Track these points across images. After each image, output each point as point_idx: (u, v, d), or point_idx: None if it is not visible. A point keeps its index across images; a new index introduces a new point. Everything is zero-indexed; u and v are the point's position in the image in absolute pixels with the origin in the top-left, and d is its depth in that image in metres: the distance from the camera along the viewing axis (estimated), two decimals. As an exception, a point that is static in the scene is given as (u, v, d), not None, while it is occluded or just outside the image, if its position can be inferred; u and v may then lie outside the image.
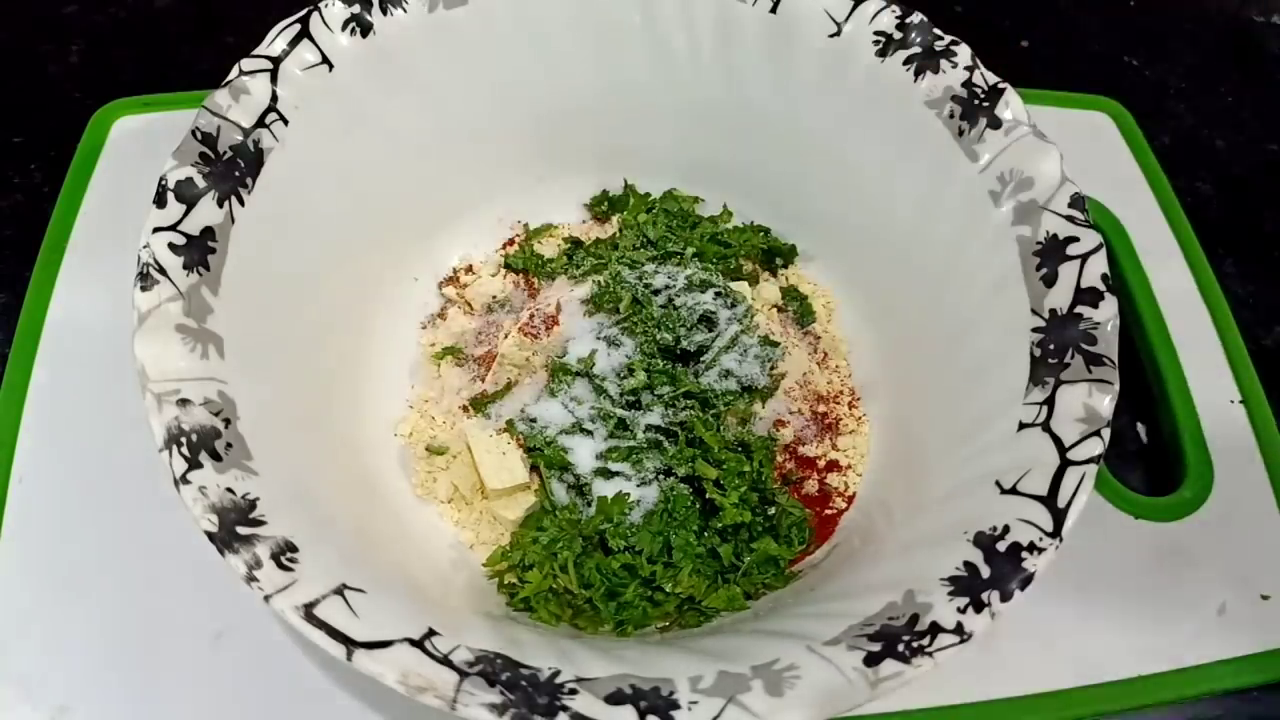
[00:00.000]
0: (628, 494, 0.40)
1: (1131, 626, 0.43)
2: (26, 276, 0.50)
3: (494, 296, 0.49)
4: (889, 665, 0.28)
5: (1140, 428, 0.52)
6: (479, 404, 0.44)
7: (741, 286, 0.46)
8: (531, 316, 0.44)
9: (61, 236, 0.51)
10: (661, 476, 0.41)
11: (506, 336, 0.44)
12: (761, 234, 0.51)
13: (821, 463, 0.45)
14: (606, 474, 0.41)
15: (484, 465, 0.41)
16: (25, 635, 0.40)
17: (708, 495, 0.40)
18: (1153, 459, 0.51)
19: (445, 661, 0.28)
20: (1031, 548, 0.31)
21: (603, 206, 0.52)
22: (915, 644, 0.29)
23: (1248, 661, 0.42)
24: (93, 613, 0.41)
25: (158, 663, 0.40)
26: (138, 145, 0.55)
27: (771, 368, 0.44)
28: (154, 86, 0.58)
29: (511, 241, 0.52)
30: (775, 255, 0.51)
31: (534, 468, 0.42)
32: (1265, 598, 0.44)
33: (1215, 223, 0.59)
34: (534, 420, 0.43)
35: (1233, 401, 0.50)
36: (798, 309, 0.49)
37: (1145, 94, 0.67)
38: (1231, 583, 0.44)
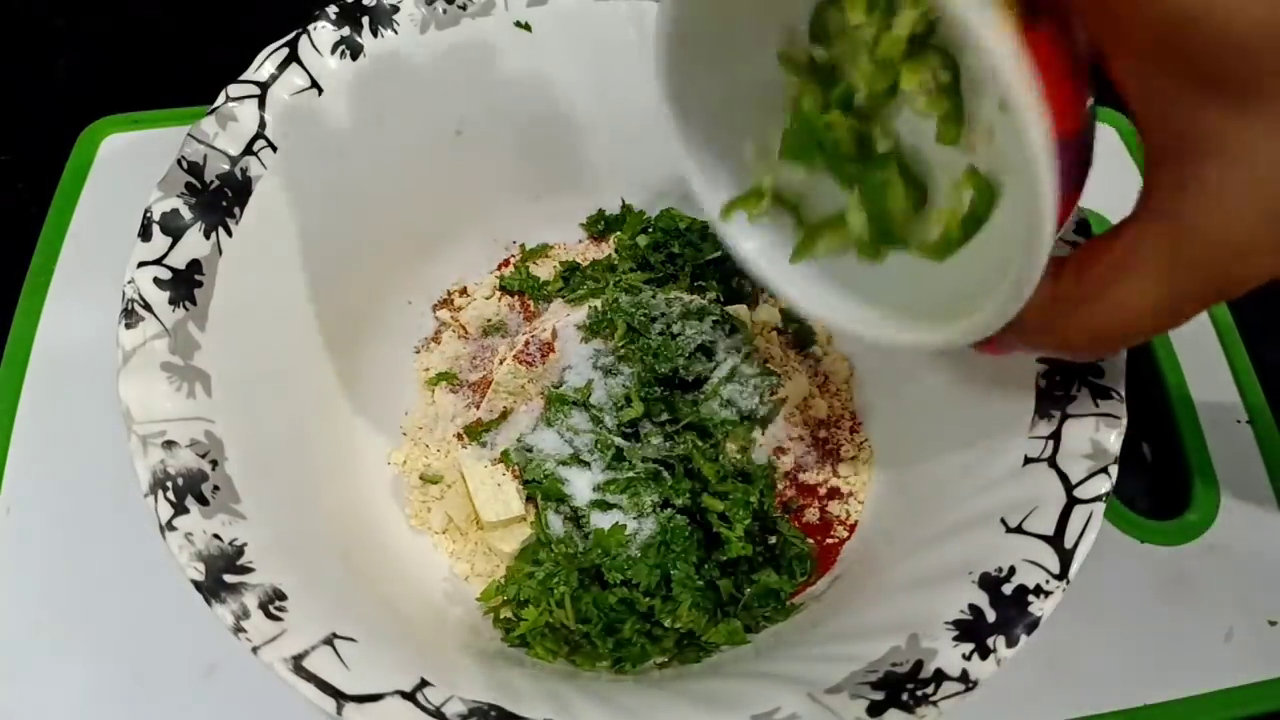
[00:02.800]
0: (624, 525, 0.40)
1: (1136, 653, 0.43)
2: (14, 299, 0.49)
3: (489, 319, 0.48)
4: (893, 716, 0.28)
5: (1145, 447, 0.51)
6: (474, 432, 0.44)
7: (740, 310, 0.45)
8: (527, 343, 0.43)
9: (50, 258, 0.51)
10: (659, 509, 0.41)
11: (502, 363, 0.44)
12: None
13: (822, 490, 0.44)
14: (604, 506, 0.40)
15: (478, 497, 0.40)
16: (14, 669, 0.40)
17: (715, 530, 0.39)
18: (1158, 477, 0.50)
19: (438, 715, 0.27)
20: (1038, 590, 0.30)
21: (599, 226, 0.52)
22: (919, 692, 0.28)
23: (1256, 689, 0.42)
24: (83, 646, 0.40)
25: (150, 697, 0.39)
26: (126, 163, 0.55)
27: (771, 393, 0.44)
28: (143, 103, 0.57)
29: (507, 262, 0.51)
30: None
31: (530, 498, 0.42)
32: (1273, 624, 0.44)
33: (1220, 236, 0.58)
34: (530, 450, 0.42)
35: (1239, 421, 0.50)
36: (797, 330, 0.48)
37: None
38: (1239, 608, 0.44)
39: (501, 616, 0.39)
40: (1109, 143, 0.60)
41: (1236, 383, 0.51)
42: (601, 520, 0.40)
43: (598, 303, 0.44)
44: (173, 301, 0.34)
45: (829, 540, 0.43)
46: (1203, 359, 0.51)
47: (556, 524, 0.41)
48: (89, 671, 0.40)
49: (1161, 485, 0.49)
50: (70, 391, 0.46)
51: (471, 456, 0.42)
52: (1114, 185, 0.58)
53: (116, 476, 0.42)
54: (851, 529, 0.43)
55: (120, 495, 0.42)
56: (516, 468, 0.42)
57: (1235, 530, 0.46)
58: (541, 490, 0.41)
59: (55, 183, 0.53)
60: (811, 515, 0.44)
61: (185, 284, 0.34)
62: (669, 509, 0.40)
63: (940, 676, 0.29)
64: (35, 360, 0.47)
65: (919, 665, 0.29)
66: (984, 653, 0.29)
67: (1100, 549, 0.44)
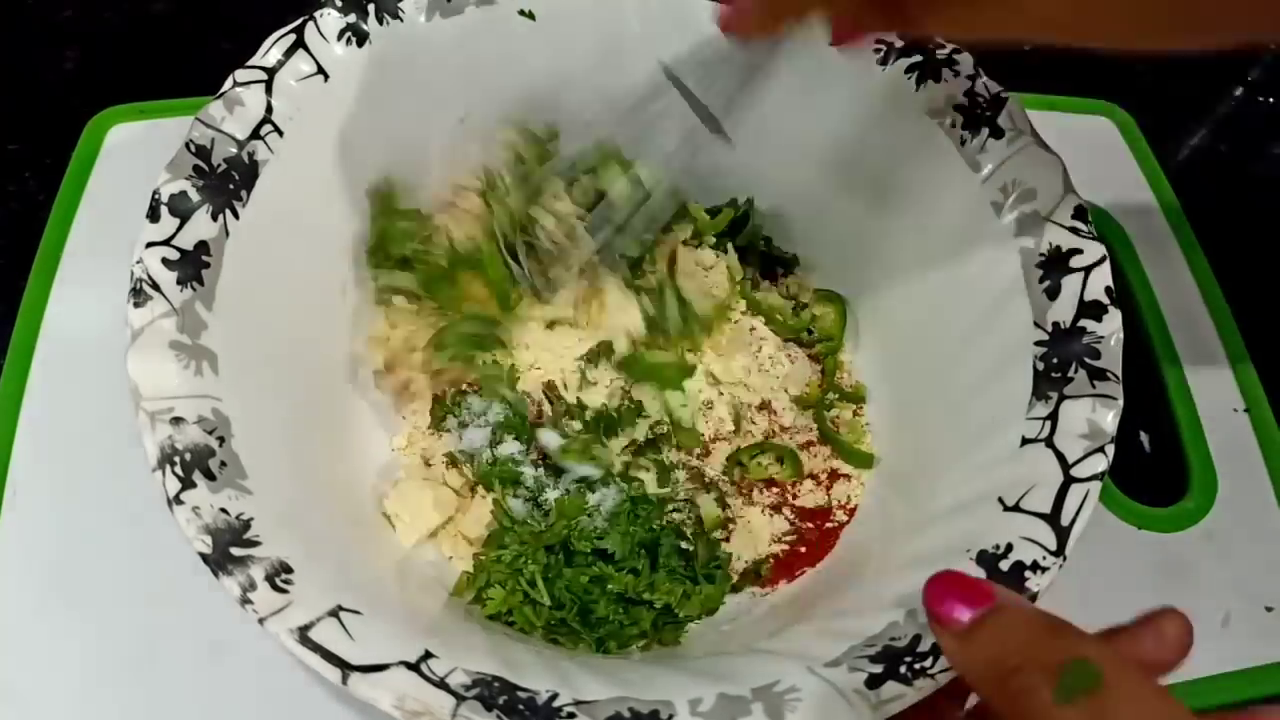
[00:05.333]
0: (581, 491, 0.41)
1: (1134, 638, 0.43)
2: (21, 286, 0.50)
3: (492, 306, 0.48)
4: (891, 687, 0.28)
5: (1144, 436, 0.51)
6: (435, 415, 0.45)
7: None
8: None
9: (57, 246, 0.51)
10: (617, 479, 0.41)
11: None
12: (763, 242, 0.51)
13: (823, 475, 0.45)
14: (556, 473, 0.41)
15: (398, 525, 0.41)
16: (20, 649, 0.40)
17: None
18: (1156, 467, 0.50)
19: (442, 685, 0.28)
20: (1035, 567, 0.30)
21: (602, 214, 0.52)
22: (917, 665, 0.29)
23: (1252, 674, 0.42)
24: (88, 626, 0.41)
25: (154, 675, 0.40)
26: (133, 153, 0.55)
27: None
28: (150, 93, 0.57)
29: (510, 250, 0.51)
30: (776, 264, 0.51)
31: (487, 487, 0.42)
32: (1270, 609, 0.44)
33: (1219, 229, 0.59)
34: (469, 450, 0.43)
35: (1236, 410, 0.50)
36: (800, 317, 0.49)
37: (1149, 99, 0.67)
38: (1236, 594, 0.44)
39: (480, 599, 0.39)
40: (1108, 136, 0.61)
41: (1234, 372, 0.51)
42: (556, 492, 0.41)
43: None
44: (180, 281, 0.34)
45: (828, 525, 0.43)
46: (1201, 349, 0.52)
47: (517, 505, 0.41)
48: (93, 651, 0.40)
49: (1159, 473, 0.50)
50: (75, 377, 0.47)
51: (410, 479, 0.43)
52: (1113, 178, 0.59)
53: (120, 460, 0.43)
54: (851, 513, 0.44)
55: (124, 479, 0.43)
56: (469, 465, 0.42)
57: (1232, 517, 0.46)
58: (496, 476, 0.41)
59: (62, 172, 0.54)
60: (816, 499, 0.44)
61: (193, 264, 0.35)
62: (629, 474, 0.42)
63: (938, 650, 0.29)
64: (41, 346, 0.48)
65: (916, 639, 0.29)
66: (981, 627, 0.29)
67: (1099, 536, 0.45)
